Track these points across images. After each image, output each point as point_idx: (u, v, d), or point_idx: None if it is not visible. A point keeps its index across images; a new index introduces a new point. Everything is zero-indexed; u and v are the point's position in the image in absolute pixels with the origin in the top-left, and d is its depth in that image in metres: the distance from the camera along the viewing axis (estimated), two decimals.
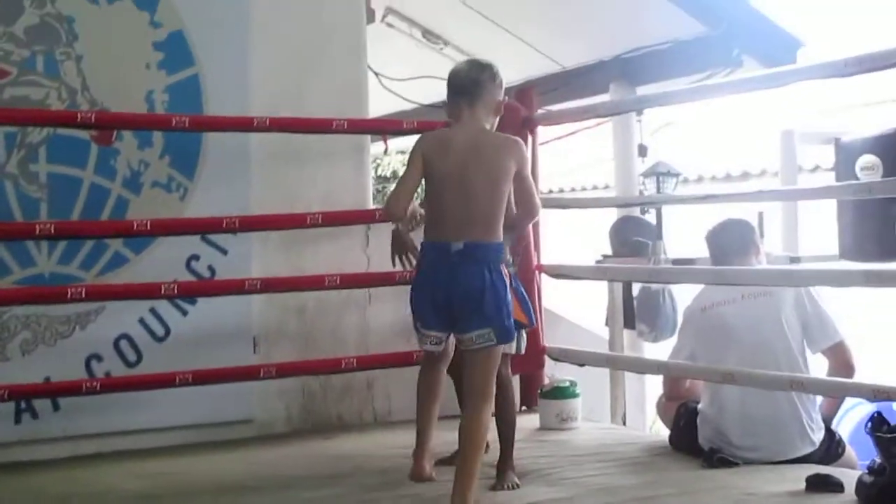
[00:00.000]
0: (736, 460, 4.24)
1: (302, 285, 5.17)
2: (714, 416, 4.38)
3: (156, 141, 5.00)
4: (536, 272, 5.38)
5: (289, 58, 5.38)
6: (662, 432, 5.16)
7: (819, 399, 4.38)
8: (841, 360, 4.36)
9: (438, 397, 3.87)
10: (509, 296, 3.69)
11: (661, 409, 4.96)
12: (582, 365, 5.29)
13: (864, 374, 4.37)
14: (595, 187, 12.23)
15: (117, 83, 4.96)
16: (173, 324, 5.01)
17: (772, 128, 7.75)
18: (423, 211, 3.94)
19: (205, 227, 4.95)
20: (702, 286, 4.73)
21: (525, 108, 5.45)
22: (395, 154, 13.62)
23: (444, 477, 3.72)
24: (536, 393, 5.38)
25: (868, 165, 5.14)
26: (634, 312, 6.52)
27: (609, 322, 5.97)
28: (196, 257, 5.07)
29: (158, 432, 4.95)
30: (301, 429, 5.32)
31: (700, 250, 4.96)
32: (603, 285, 5.94)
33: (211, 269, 5.10)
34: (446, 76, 3.90)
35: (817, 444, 4.28)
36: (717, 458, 4.25)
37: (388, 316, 5.40)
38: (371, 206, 5.77)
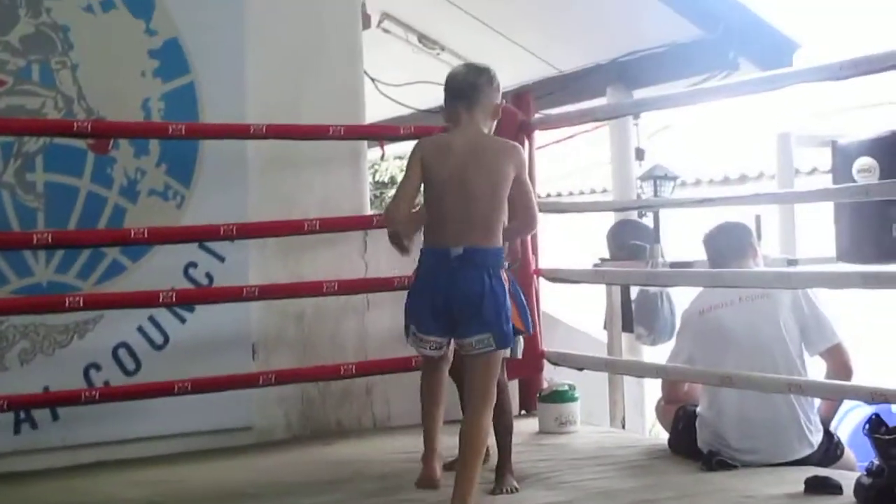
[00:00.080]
0: (735, 463, 4.24)
1: (300, 292, 5.17)
2: (713, 420, 4.38)
3: (152, 149, 5.00)
4: (534, 276, 5.38)
5: (285, 64, 5.38)
6: (661, 435, 5.16)
7: (817, 401, 4.38)
8: (839, 362, 4.36)
9: (442, 401, 3.86)
10: (508, 301, 3.70)
11: (660, 413, 4.96)
12: (581, 369, 5.29)
13: (862, 376, 4.38)
14: (593, 191, 12.24)
15: (113, 91, 4.96)
16: (172, 332, 5.01)
17: (769, 130, 7.75)
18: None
19: (202, 235, 4.95)
20: (700, 289, 4.73)
21: (522, 113, 5.45)
22: (392, 160, 13.63)
23: (445, 482, 3.72)
24: (535, 397, 5.37)
25: (865, 168, 5.14)
26: (632, 316, 6.53)
27: (607, 325, 5.97)
28: (194, 265, 5.06)
29: (158, 440, 4.94)
30: (300, 435, 5.32)
31: (698, 253, 4.97)
32: (601, 289, 5.94)
33: (209, 276, 5.09)
34: (443, 81, 3.91)
35: (815, 446, 4.28)
36: (715, 461, 4.25)
37: (386, 321, 5.40)
38: (368, 211, 5.78)
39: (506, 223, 3.73)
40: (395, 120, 7.68)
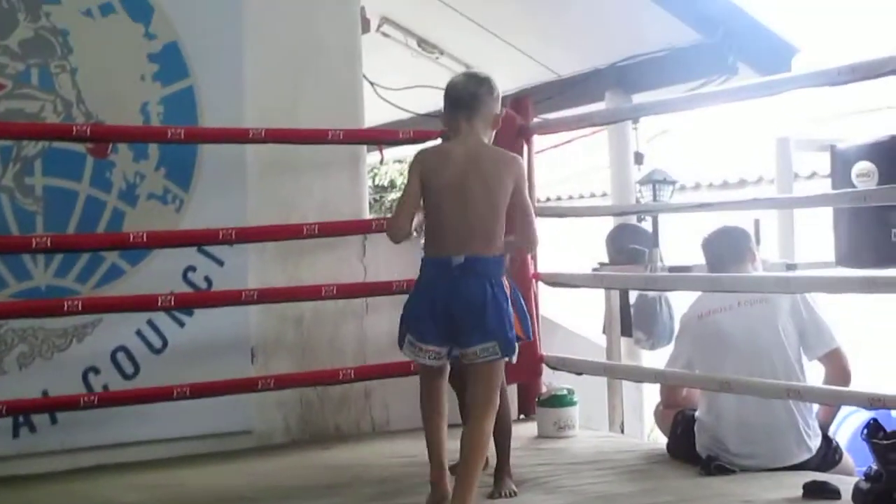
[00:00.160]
0: (733, 468, 4.24)
1: (299, 296, 5.17)
2: (711, 424, 4.39)
3: (151, 153, 5.00)
4: (533, 280, 5.38)
5: (284, 68, 5.39)
6: (660, 440, 5.16)
7: (816, 406, 4.38)
8: (837, 366, 4.36)
9: (445, 415, 3.83)
10: (511, 308, 3.70)
11: (659, 417, 4.96)
12: (579, 373, 5.29)
13: (860, 380, 4.38)
14: (592, 195, 12.24)
15: (112, 95, 4.96)
16: (170, 336, 5.01)
17: (768, 135, 7.76)
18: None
19: (201, 239, 4.94)
20: (698, 293, 4.73)
21: (521, 117, 5.45)
22: (391, 163, 13.64)
23: None
24: (534, 401, 5.37)
25: (864, 172, 5.14)
26: (631, 320, 6.53)
27: (606, 330, 5.97)
28: (192, 268, 5.06)
29: (157, 444, 4.94)
30: (299, 439, 5.32)
31: (696, 258, 4.97)
32: (600, 293, 5.94)
33: (207, 280, 5.09)
34: (442, 86, 3.91)
35: (814, 450, 4.28)
36: (714, 466, 4.25)
37: (385, 325, 5.38)
38: (367, 216, 5.78)
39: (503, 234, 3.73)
40: (395, 124, 7.69)
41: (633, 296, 6.54)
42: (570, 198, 12.69)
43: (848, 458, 4.45)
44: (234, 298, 4.92)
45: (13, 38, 4.78)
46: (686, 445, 4.50)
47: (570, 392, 5.30)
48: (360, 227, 5.43)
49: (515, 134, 5.29)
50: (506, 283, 3.72)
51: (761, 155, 8.77)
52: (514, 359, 4.05)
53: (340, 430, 5.45)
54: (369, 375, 5.24)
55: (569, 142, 8.05)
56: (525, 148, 5.36)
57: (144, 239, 4.69)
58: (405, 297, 3.90)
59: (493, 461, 4.06)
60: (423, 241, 3.86)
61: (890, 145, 5.09)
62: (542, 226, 3.84)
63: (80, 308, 4.55)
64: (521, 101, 5.70)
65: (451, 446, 3.82)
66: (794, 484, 3.88)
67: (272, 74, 5.34)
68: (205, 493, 4.35)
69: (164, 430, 4.94)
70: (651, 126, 9.34)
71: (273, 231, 5.09)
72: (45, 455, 4.73)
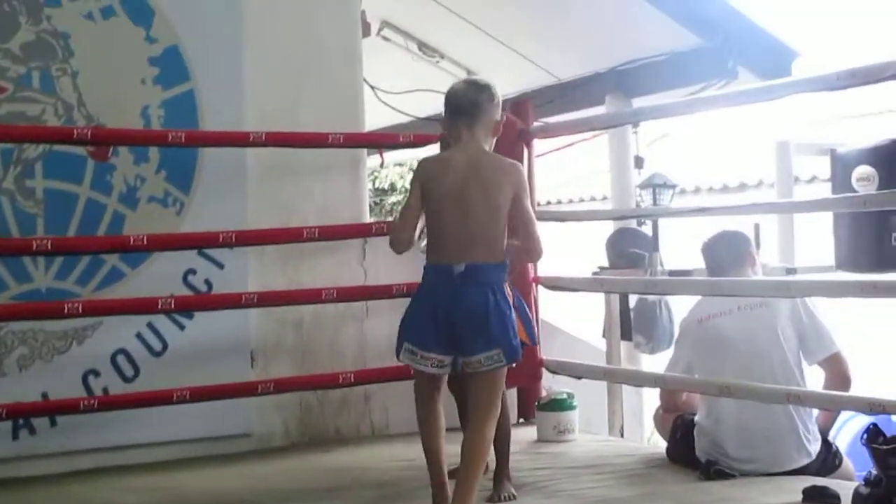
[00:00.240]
0: (733, 472, 4.24)
1: (299, 299, 5.18)
2: (711, 428, 4.39)
3: (152, 156, 5.00)
4: (533, 284, 5.38)
5: (284, 72, 5.39)
6: (660, 444, 5.16)
7: (816, 411, 4.38)
8: (837, 371, 4.36)
9: (442, 421, 3.81)
10: (514, 314, 3.70)
11: (659, 422, 4.96)
12: (579, 377, 5.29)
13: (861, 385, 4.38)
14: (592, 199, 12.24)
15: (113, 98, 4.96)
16: (170, 338, 5.01)
17: (768, 139, 7.76)
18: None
19: (201, 242, 4.95)
20: (698, 298, 4.73)
21: (521, 121, 5.45)
22: (392, 167, 13.65)
23: None
24: (534, 405, 5.37)
25: (864, 176, 5.15)
26: (631, 324, 6.53)
27: (606, 334, 5.97)
28: (193, 271, 5.07)
29: (156, 447, 4.95)
30: (299, 442, 5.32)
31: (696, 262, 4.97)
32: (600, 297, 5.94)
33: (208, 283, 5.10)
34: (443, 90, 3.91)
35: (814, 455, 4.28)
36: (714, 470, 4.25)
37: (385, 329, 5.37)
38: (368, 219, 5.79)
39: (508, 241, 3.73)
40: (395, 128, 7.69)
41: (632, 300, 6.54)
42: (570, 201, 12.70)
43: (848, 463, 4.45)
44: (234, 301, 4.92)
45: (14, 41, 4.79)
46: (686, 450, 4.50)
47: (570, 396, 5.31)
48: (360, 231, 5.44)
49: (516, 138, 5.29)
50: (508, 289, 3.72)
51: (761, 159, 8.78)
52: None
53: (340, 433, 5.45)
54: (369, 379, 5.24)
55: (569, 145, 8.03)
56: (525, 152, 5.37)
57: (145, 242, 4.69)
58: (405, 300, 3.90)
59: (492, 465, 4.06)
60: (423, 245, 3.87)
61: (890, 149, 5.11)
62: (541, 230, 3.82)
63: (80, 311, 4.56)
64: (521, 105, 5.70)
65: (451, 450, 3.82)
66: (794, 489, 3.88)
67: (273, 78, 5.34)
68: (203, 497, 4.36)
69: (164, 433, 4.94)
70: (651, 130, 9.34)
71: (273, 234, 5.10)
72: (44, 457, 4.73)
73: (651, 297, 6.45)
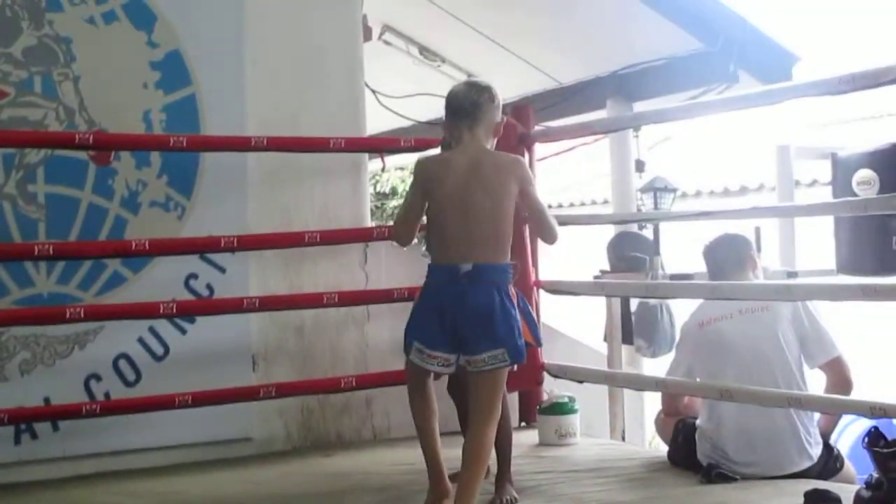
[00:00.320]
0: (734, 475, 4.24)
1: (300, 303, 5.18)
2: (712, 432, 4.39)
3: (153, 160, 5.01)
4: (534, 288, 5.38)
5: (285, 76, 5.39)
6: (661, 448, 5.17)
7: (817, 414, 4.38)
8: (839, 374, 4.36)
9: (436, 413, 3.86)
10: (518, 315, 3.71)
11: (660, 425, 4.96)
12: (581, 381, 5.29)
13: (862, 388, 4.38)
14: (593, 203, 12.25)
15: (115, 103, 4.97)
16: (172, 343, 5.01)
17: (769, 142, 7.77)
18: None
19: (203, 247, 4.95)
20: (699, 301, 4.74)
21: (522, 125, 5.46)
22: (393, 171, 13.66)
23: None
24: (535, 409, 5.38)
25: (865, 180, 5.16)
26: (632, 328, 6.53)
27: (607, 338, 5.97)
28: (194, 276, 5.07)
29: (157, 451, 4.95)
30: (300, 446, 5.32)
31: (697, 265, 4.97)
32: (601, 301, 5.95)
33: (209, 287, 5.10)
34: (444, 94, 3.92)
35: (815, 458, 4.28)
36: (715, 474, 4.24)
37: (386, 333, 5.41)
38: (369, 223, 5.79)
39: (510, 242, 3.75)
40: (396, 132, 7.70)
41: (634, 303, 6.55)
42: (572, 205, 12.71)
43: (849, 467, 4.45)
44: (235, 306, 4.93)
45: (17, 45, 4.79)
46: (687, 453, 4.50)
47: (572, 400, 5.31)
48: (361, 235, 5.44)
49: (517, 142, 5.30)
50: (512, 290, 3.74)
51: (762, 162, 8.79)
52: (516, 366, 4.07)
53: (341, 437, 5.45)
54: (370, 383, 5.24)
55: (570, 149, 8.04)
56: (526, 155, 5.37)
57: (146, 246, 4.69)
58: (406, 304, 3.91)
59: (493, 468, 4.06)
60: (423, 247, 3.88)
61: (891, 153, 5.11)
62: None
63: (82, 315, 4.55)
64: (522, 109, 5.71)
65: (450, 454, 3.82)
66: (795, 492, 3.87)
67: (274, 82, 5.34)
68: (205, 501, 4.36)
69: (165, 438, 4.94)
70: (652, 133, 9.36)
71: (275, 239, 5.11)
72: (46, 462, 4.73)
73: (652, 301, 6.45)
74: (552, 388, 5.41)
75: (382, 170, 11.72)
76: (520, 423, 5.52)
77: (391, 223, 4.60)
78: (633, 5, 6.79)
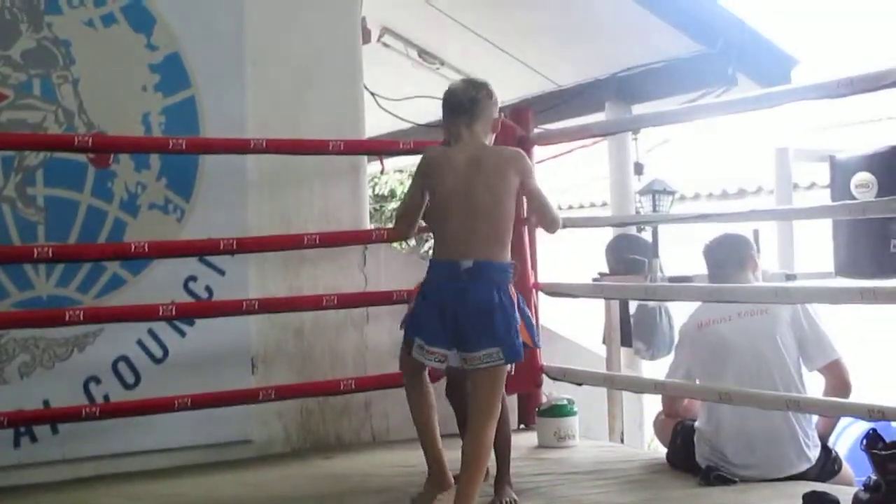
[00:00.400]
0: (733, 478, 4.24)
1: (299, 305, 5.19)
2: (710, 434, 4.39)
3: (152, 163, 5.01)
4: (533, 290, 5.39)
5: (285, 79, 5.40)
6: (660, 450, 5.16)
7: (815, 417, 4.39)
8: (837, 377, 4.36)
9: (435, 411, 3.87)
10: (517, 314, 3.72)
11: (659, 427, 4.96)
12: (580, 384, 5.29)
13: (861, 390, 4.38)
14: (592, 205, 12.26)
15: (114, 106, 4.97)
16: (171, 345, 5.01)
17: (767, 145, 7.78)
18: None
19: (202, 249, 4.95)
20: (698, 303, 4.74)
21: (521, 128, 5.46)
22: (392, 173, 13.66)
23: None
24: (534, 411, 5.38)
25: (863, 183, 5.16)
26: (631, 330, 6.53)
27: (606, 340, 5.97)
28: (194, 278, 5.07)
29: (157, 454, 4.95)
30: (300, 449, 5.32)
31: (696, 268, 4.98)
32: (600, 303, 5.95)
33: (208, 289, 5.10)
34: (442, 95, 3.93)
35: (813, 461, 4.28)
36: (714, 476, 4.25)
37: (386, 335, 5.41)
38: (368, 225, 5.79)
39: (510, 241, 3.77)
40: (395, 134, 7.71)
41: (632, 306, 6.55)
42: (570, 208, 12.72)
43: (847, 469, 4.45)
44: (234, 308, 4.93)
45: (16, 48, 4.79)
46: (686, 455, 4.50)
47: (570, 402, 5.31)
48: (360, 237, 5.44)
49: (515, 144, 5.27)
50: (512, 289, 3.74)
51: (761, 165, 8.79)
52: (513, 368, 4.08)
53: (341, 440, 5.45)
54: (370, 386, 5.24)
55: (569, 152, 8.05)
56: None
57: (146, 249, 4.70)
58: (405, 307, 3.91)
59: (493, 471, 4.07)
60: (423, 251, 3.89)
61: (889, 156, 5.11)
62: (541, 235, 3.86)
63: (81, 318, 4.55)
64: (521, 112, 5.72)
65: (450, 456, 3.83)
66: (794, 494, 3.88)
67: (273, 84, 5.35)
68: (205, 503, 4.36)
69: (165, 440, 4.94)
70: (651, 136, 9.35)
71: (274, 241, 5.11)
72: (45, 465, 4.73)
73: (651, 304, 6.46)
74: (551, 391, 5.42)
75: (381, 172, 11.73)
76: (519, 426, 5.53)
77: (390, 225, 4.61)
78: (631, 8, 6.79)
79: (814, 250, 6.14)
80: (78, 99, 4.89)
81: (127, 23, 5.01)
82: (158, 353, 5.00)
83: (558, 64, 7.90)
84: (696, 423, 4.51)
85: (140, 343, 4.96)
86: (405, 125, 7.73)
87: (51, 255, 4.54)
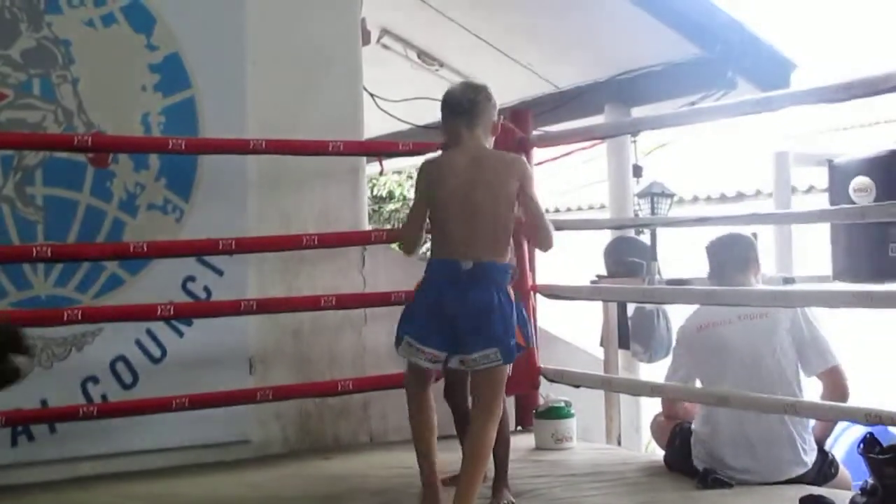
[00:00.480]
0: (730, 481, 4.25)
1: (298, 306, 5.18)
2: (707, 437, 4.39)
3: (152, 163, 5.01)
4: (531, 292, 5.39)
5: (284, 80, 5.40)
6: (657, 452, 5.17)
7: (812, 421, 4.39)
8: (835, 384, 4.34)
9: (435, 427, 3.85)
10: (514, 316, 3.72)
11: (656, 429, 4.96)
12: (577, 386, 5.29)
13: (859, 394, 4.38)
14: (590, 207, 12.26)
15: (113, 105, 4.97)
16: (170, 345, 5.01)
17: (766, 148, 7.79)
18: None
19: (201, 250, 4.95)
20: (696, 305, 4.73)
21: (520, 130, 5.47)
22: (391, 174, 13.66)
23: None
24: (532, 413, 5.38)
25: (861, 187, 5.15)
26: (629, 333, 6.53)
27: (603, 342, 5.97)
28: (192, 278, 5.07)
29: (155, 454, 4.95)
30: (298, 449, 5.32)
31: (694, 271, 4.97)
32: (598, 306, 5.95)
33: (207, 290, 5.10)
34: (441, 98, 3.93)
35: (810, 465, 4.28)
36: (711, 479, 4.25)
37: (384, 336, 5.38)
38: (367, 227, 5.79)
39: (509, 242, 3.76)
40: (394, 135, 7.70)
41: (630, 308, 6.55)
42: (569, 210, 12.72)
43: (845, 472, 4.45)
44: (233, 309, 4.93)
45: (15, 47, 4.79)
46: (683, 458, 4.50)
47: (568, 404, 5.32)
48: (359, 239, 5.45)
49: (515, 146, 5.30)
50: (510, 291, 3.75)
51: (759, 168, 8.80)
52: (510, 368, 4.09)
53: (339, 440, 5.46)
54: (368, 387, 5.24)
55: (568, 154, 8.05)
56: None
57: (145, 249, 4.70)
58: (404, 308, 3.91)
59: (490, 473, 4.07)
60: (421, 252, 3.90)
61: (888, 160, 5.11)
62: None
63: (79, 317, 4.55)
64: (520, 114, 5.72)
65: (447, 458, 3.83)
66: (791, 497, 3.89)
67: (273, 85, 5.35)
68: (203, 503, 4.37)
69: (163, 440, 4.95)
70: (650, 139, 9.37)
71: (273, 242, 5.11)
72: (43, 464, 4.73)
73: (649, 306, 6.46)
74: (548, 393, 5.42)
75: (381, 173, 11.74)
76: (516, 428, 5.52)
77: (389, 227, 4.62)
78: (631, 11, 6.79)
79: (812, 254, 6.14)
80: (77, 99, 4.89)
81: (127, 23, 5.01)
82: (157, 353, 5.00)
83: (558, 66, 7.90)
84: (693, 426, 4.51)
85: (138, 343, 4.96)
86: (404, 127, 7.73)
87: (49, 254, 4.55)
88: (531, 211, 3.81)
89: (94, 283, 4.90)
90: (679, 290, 5.32)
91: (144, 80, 5.03)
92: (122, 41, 5.01)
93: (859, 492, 3.68)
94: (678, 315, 5.35)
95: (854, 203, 5.07)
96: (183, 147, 4.82)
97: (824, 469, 4.34)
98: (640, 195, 7.56)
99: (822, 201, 6.26)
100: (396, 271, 5.48)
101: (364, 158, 5.79)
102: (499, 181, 3.72)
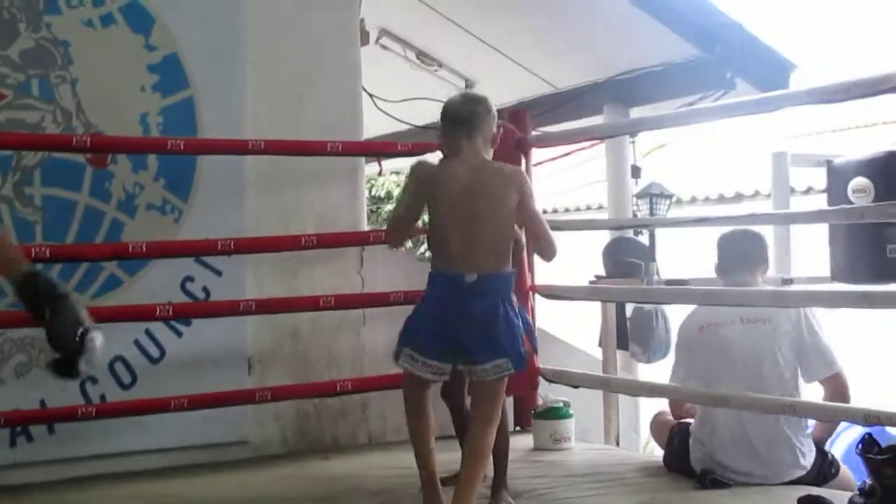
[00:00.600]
0: (728, 482, 4.24)
1: (296, 306, 5.18)
2: (705, 437, 4.39)
3: (150, 163, 5.01)
4: (530, 293, 5.39)
5: (283, 80, 5.40)
6: (656, 452, 5.17)
7: (811, 422, 4.38)
8: (836, 390, 4.31)
9: (433, 424, 3.84)
10: (520, 323, 3.72)
11: (655, 428, 4.96)
12: (576, 386, 5.29)
13: (859, 394, 4.37)
14: (588, 208, 12.26)
15: (112, 106, 4.97)
16: (168, 346, 5.01)
17: (765, 149, 7.79)
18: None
19: (199, 250, 4.95)
20: (694, 305, 4.73)
21: (519, 130, 5.47)
22: (389, 175, 13.65)
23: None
24: (530, 413, 5.38)
25: (860, 188, 5.16)
26: (628, 333, 6.53)
27: (602, 343, 5.98)
28: (191, 279, 5.07)
29: (153, 454, 4.95)
30: (296, 450, 5.32)
31: (693, 271, 4.97)
32: (596, 306, 5.95)
33: (205, 290, 5.10)
34: (441, 98, 3.93)
35: (808, 467, 4.27)
36: (709, 479, 4.25)
37: (382, 337, 5.40)
38: (365, 227, 5.79)
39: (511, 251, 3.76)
40: (393, 136, 7.71)
41: (629, 309, 6.55)
42: (567, 210, 12.72)
43: (846, 472, 4.43)
44: (231, 309, 4.93)
45: (14, 48, 4.79)
46: (682, 458, 4.49)
47: (566, 404, 5.31)
48: (358, 239, 5.45)
49: (514, 147, 5.30)
50: (514, 299, 3.75)
51: (758, 169, 8.81)
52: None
53: (337, 441, 5.46)
54: (366, 387, 5.24)
55: (566, 154, 8.06)
56: (523, 160, 5.38)
57: (143, 249, 4.70)
58: (403, 308, 3.91)
59: (489, 473, 4.07)
60: (419, 252, 3.89)
61: (886, 161, 5.12)
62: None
63: None
64: (519, 114, 5.72)
65: (447, 458, 3.82)
66: (789, 498, 3.88)
67: (272, 85, 5.35)
68: None
69: (161, 441, 4.94)
70: (648, 139, 9.37)
71: (271, 242, 5.11)
72: (41, 464, 4.72)
73: (647, 307, 6.46)
74: (547, 393, 5.42)
75: (379, 174, 11.73)
76: (515, 428, 5.52)
77: (385, 228, 4.61)
78: (630, 12, 6.80)
79: (810, 255, 6.14)
80: (76, 99, 4.89)
81: (126, 23, 5.00)
82: (155, 353, 5.00)
83: (557, 67, 7.91)
84: (691, 427, 4.50)
85: (137, 343, 4.95)
86: (403, 127, 7.73)
87: (48, 255, 4.54)
88: (533, 223, 3.80)
89: (92, 284, 4.89)
90: (678, 291, 5.33)
91: (143, 80, 5.03)
92: (121, 41, 5.00)
93: (858, 493, 3.68)
94: (677, 315, 5.35)
95: (852, 204, 5.07)
96: (182, 147, 4.82)
97: (824, 469, 4.33)
98: (639, 196, 7.57)
99: (820, 202, 6.27)
100: (395, 272, 5.48)
101: (363, 159, 5.79)
102: (498, 192, 3.71)
